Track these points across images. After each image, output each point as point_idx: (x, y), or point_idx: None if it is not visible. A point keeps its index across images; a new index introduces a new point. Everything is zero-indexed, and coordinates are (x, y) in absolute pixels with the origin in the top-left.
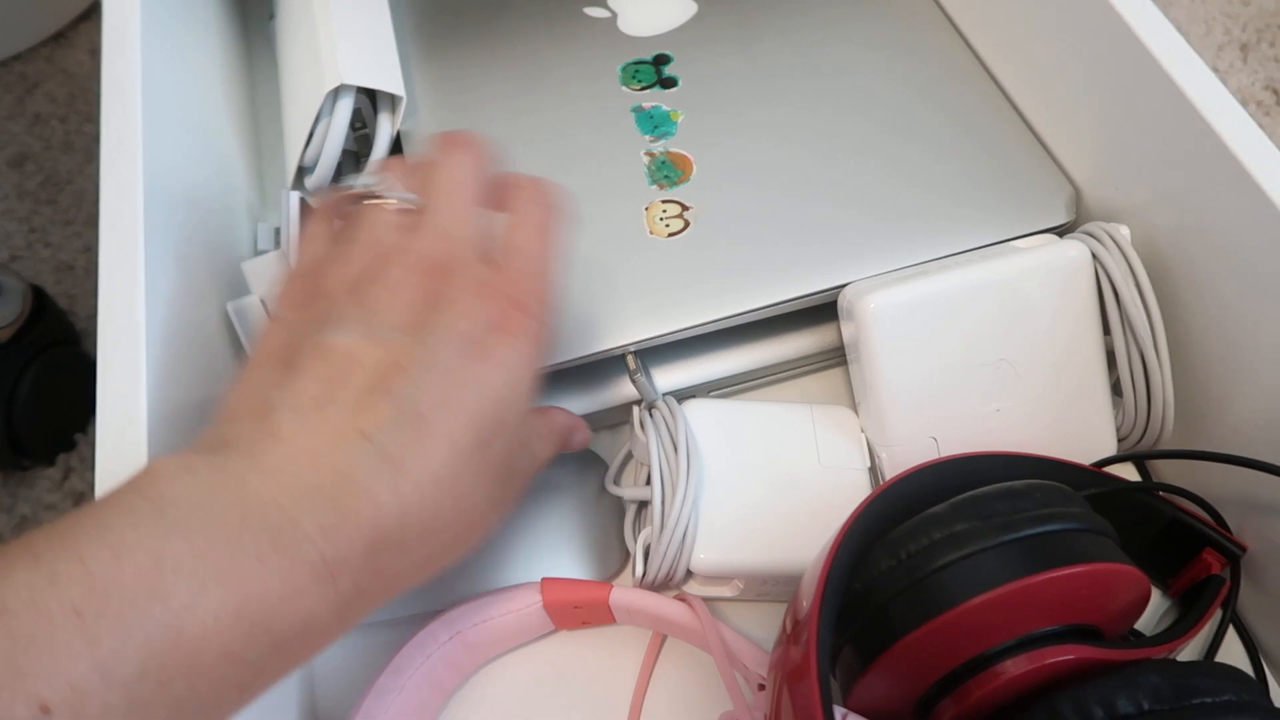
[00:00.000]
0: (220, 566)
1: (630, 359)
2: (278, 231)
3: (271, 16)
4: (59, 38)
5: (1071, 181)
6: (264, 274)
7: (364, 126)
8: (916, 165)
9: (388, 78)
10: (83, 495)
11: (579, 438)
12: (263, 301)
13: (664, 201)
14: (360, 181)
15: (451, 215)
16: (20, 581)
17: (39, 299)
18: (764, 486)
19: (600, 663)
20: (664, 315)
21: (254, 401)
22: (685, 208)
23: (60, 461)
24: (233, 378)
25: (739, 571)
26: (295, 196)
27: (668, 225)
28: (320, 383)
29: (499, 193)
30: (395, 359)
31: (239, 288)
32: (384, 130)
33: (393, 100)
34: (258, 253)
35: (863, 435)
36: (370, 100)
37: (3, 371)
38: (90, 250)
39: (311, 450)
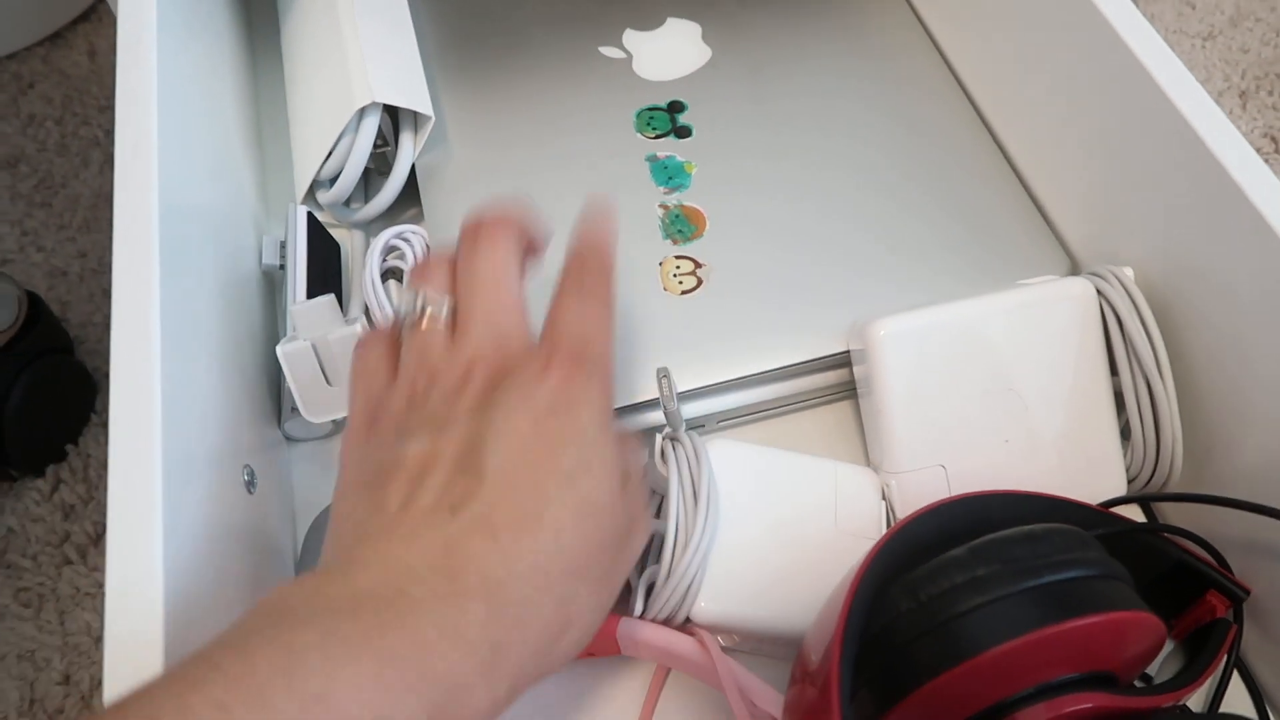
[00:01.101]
0: (347, 640)
1: (664, 383)
2: (282, 245)
3: (280, 34)
4: (56, 38)
5: (1066, 248)
6: (312, 317)
7: (383, 145)
8: (920, 230)
9: (417, 98)
10: (73, 508)
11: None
12: (314, 346)
13: (678, 257)
14: (399, 305)
15: (496, 311)
16: (160, 692)
17: (34, 305)
18: (776, 540)
19: (604, 694)
20: (678, 374)
21: (342, 532)
22: (698, 264)
23: (50, 473)
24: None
25: (738, 627)
26: (303, 210)
27: (681, 282)
28: (403, 489)
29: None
30: (468, 441)
31: (248, 298)
32: (406, 150)
33: (415, 121)
34: (263, 266)
35: (883, 503)
36: (392, 121)
37: None
38: (85, 256)
39: (405, 538)
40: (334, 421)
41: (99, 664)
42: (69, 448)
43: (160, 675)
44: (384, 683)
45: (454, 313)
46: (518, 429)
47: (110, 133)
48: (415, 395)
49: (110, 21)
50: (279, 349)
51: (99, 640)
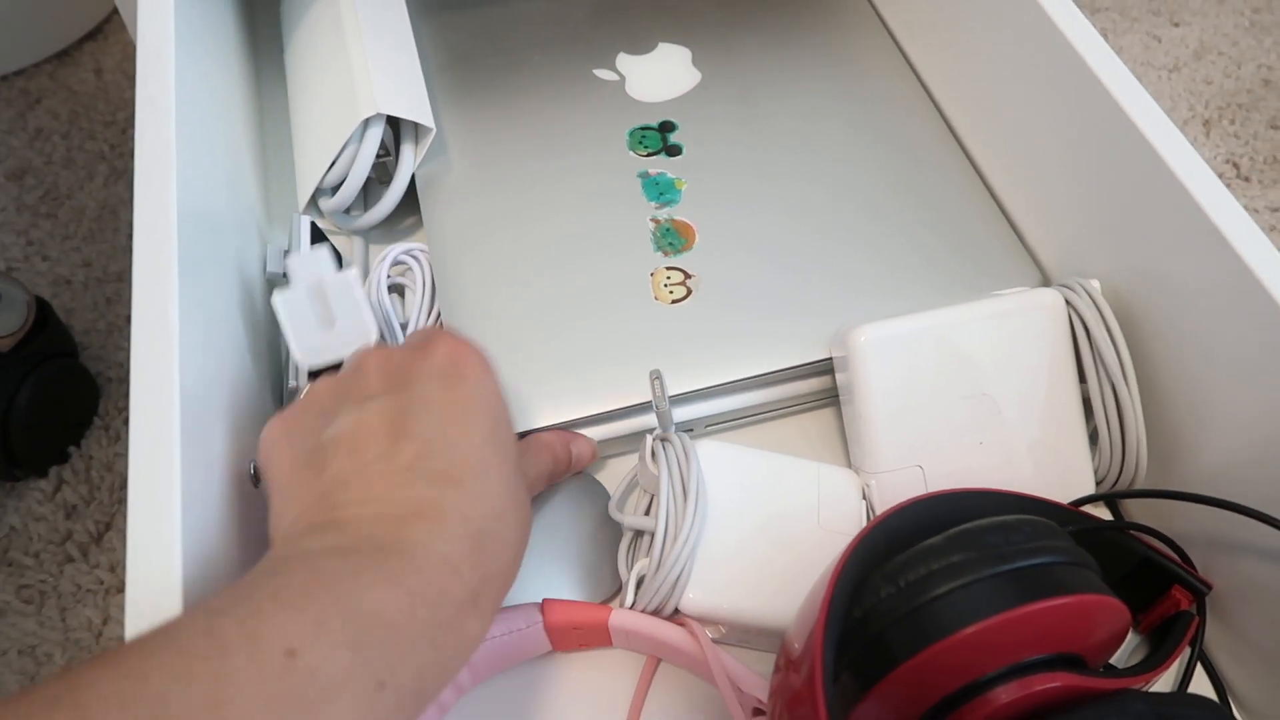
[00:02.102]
0: (366, 569)
1: (656, 385)
2: (286, 254)
3: (283, 49)
4: (63, 55)
5: (1037, 261)
6: (308, 263)
7: (385, 155)
8: (899, 243)
9: (420, 111)
10: (74, 508)
11: (579, 446)
12: (308, 291)
13: (668, 268)
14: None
15: (387, 350)
16: (214, 604)
17: (41, 310)
18: (761, 538)
19: (595, 685)
20: (668, 380)
21: (305, 503)
22: (688, 275)
23: (53, 474)
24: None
25: (725, 618)
26: (306, 220)
27: (671, 292)
28: (348, 458)
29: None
30: (394, 412)
31: (254, 303)
32: (407, 160)
33: (417, 132)
34: (267, 274)
35: (864, 502)
36: (393, 132)
37: (1, 381)
38: (90, 265)
39: (379, 496)
40: None
41: None
42: (71, 449)
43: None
44: (402, 594)
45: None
46: (434, 396)
47: (116, 147)
48: (322, 403)
49: (116, 40)
50: (274, 297)
51: (100, 635)
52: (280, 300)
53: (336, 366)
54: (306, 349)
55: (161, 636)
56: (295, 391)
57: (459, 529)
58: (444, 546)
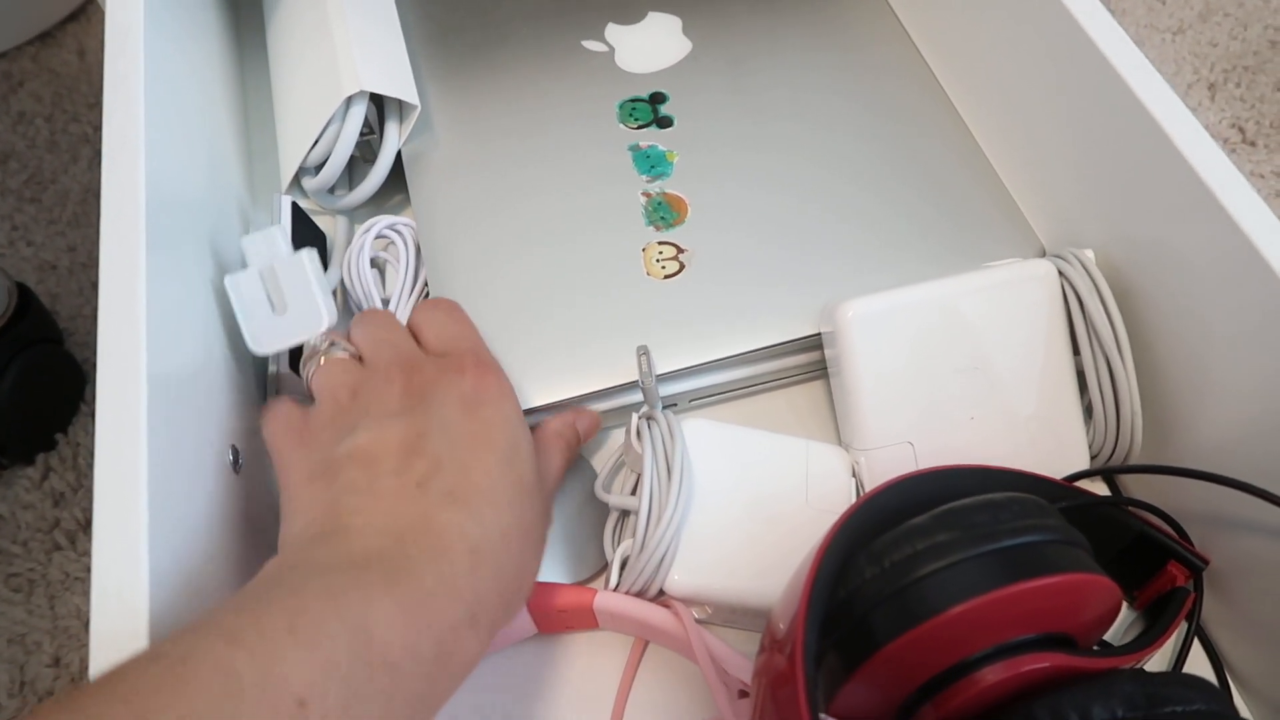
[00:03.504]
0: (370, 586)
1: (643, 360)
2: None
3: (265, 27)
4: (45, 37)
5: (1034, 233)
6: (260, 246)
7: (369, 133)
8: (894, 215)
9: (403, 87)
10: (62, 495)
11: (584, 423)
12: (259, 274)
13: (660, 243)
14: (305, 352)
15: (390, 336)
16: (230, 626)
17: (24, 296)
18: (748, 517)
19: (581, 667)
20: (661, 356)
21: (313, 514)
22: (680, 250)
23: (40, 461)
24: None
25: (711, 598)
26: (287, 200)
27: (664, 267)
28: (361, 471)
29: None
30: (412, 431)
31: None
32: (391, 138)
33: (401, 109)
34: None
35: (853, 480)
36: (378, 110)
37: None
38: (75, 250)
39: (384, 513)
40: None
41: (88, 647)
42: (58, 436)
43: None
44: (406, 621)
45: (358, 357)
46: (452, 419)
47: (99, 129)
48: (340, 406)
49: (99, 21)
50: (226, 279)
51: (88, 624)
52: (231, 282)
53: (296, 352)
54: (257, 335)
55: (179, 667)
56: (277, 377)
57: (459, 547)
58: (444, 566)
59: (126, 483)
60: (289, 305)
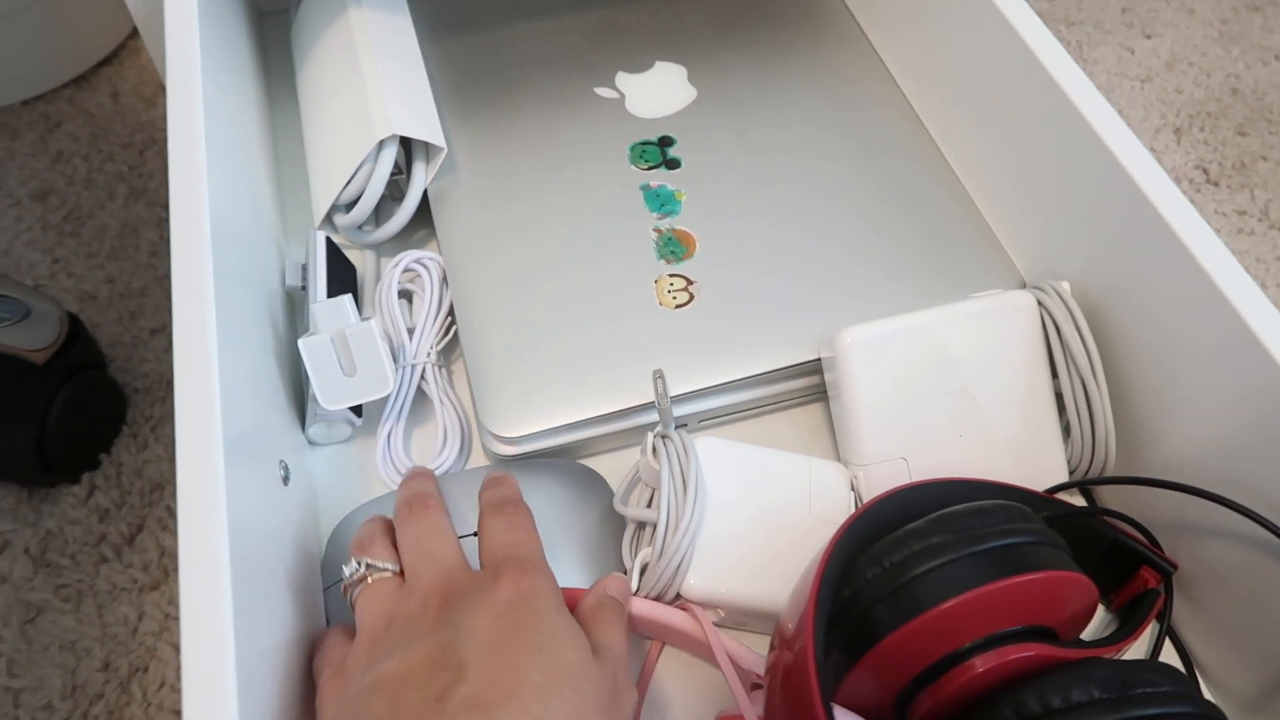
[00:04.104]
0: None
1: (658, 383)
2: (303, 267)
3: (295, 72)
4: (80, 80)
5: (1015, 266)
6: (331, 313)
7: (398, 173)
8: (886, 250)
9: (432, 131)
10: (107, 512)
11: (614, 586)
12: (331, 340)
13: (671, 275)
14: (346, 571)
15: (439, 551)
16: None
17: (74, 324)
18: (757, 527)
19: None
20: (673, 379)
21: None
22: (690, 281)
23: (85, 479)
24: None
25: (724, 601)
26: (322, 235)
27: (675, 298)
28: (385, 700)
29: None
30: (438, 646)
31: (274, 315)
32: (419, 178)
33: (428, 151)
34: (286, 287)
35: (852, 493)
36: (406, 151)
37: (37, 392)
38: (113, 281)
39: None
40: (352, 426)
41: (136, 652)
42: (102, 456)
43: None
44: None
45: (400, 572)
46: (482, 625)
47: (135, 168)
48: (376, 635)
49: (131, 65)
50: (300, 342)
51: (135, 630)
52: (305, 345)
53: (357, 409)
54: (327, 393)
55: None
56: (315, 399)
57: None
58: None
59: (206, 480)
60: (359, 368)
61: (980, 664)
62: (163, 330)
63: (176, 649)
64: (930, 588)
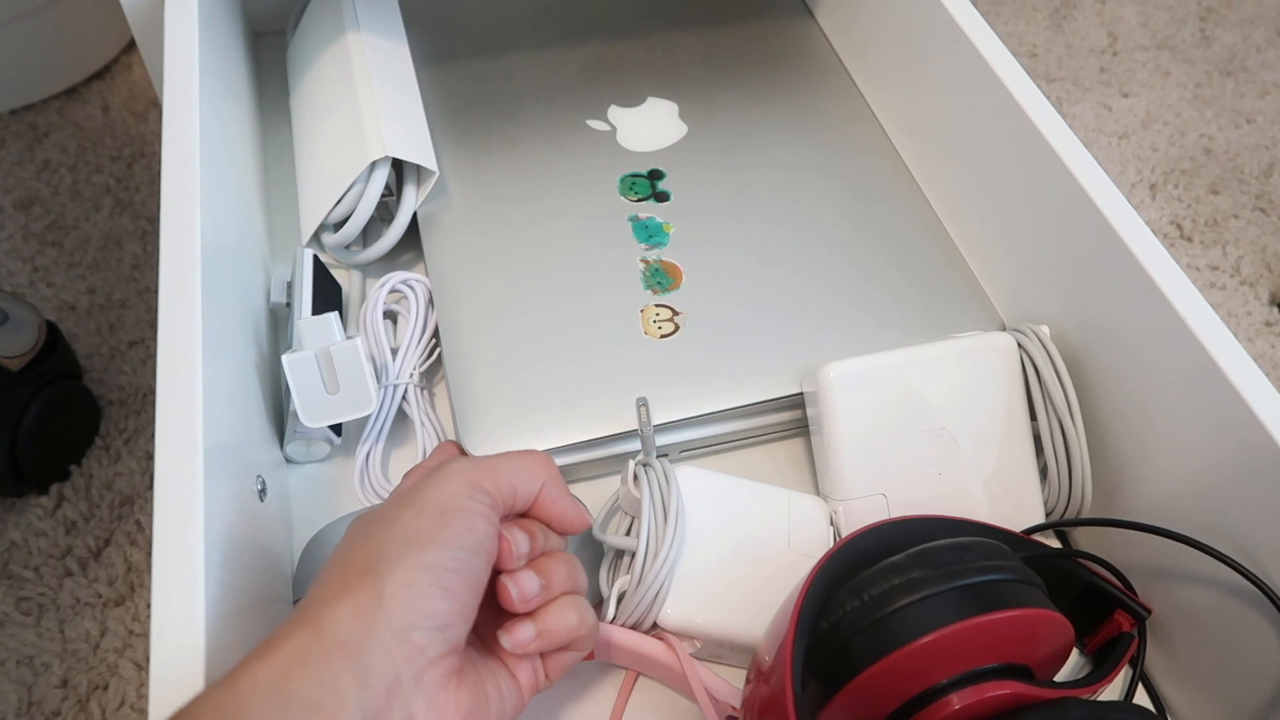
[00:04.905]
0: None
1: (642, 411)
2: (288, 284)
3: (289, 93)
4: (71, 92)
5: (994, 308)
6: (317, 330)
7: (388, 194)
8: (868, 289)
9: (425, 154)
10: (74, 524)
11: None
12: (315, 357)
13: (657, 305)
14: None
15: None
16: None
17: (52, 333)
18: (735, 558)
19: (576, 697)
20: (655, 408)
21: None
22: (675, 312)
23: (54, 490)
24: None
25: (701, 632)
26: (309, 253)
27: (660, 327)
28: None
29: None
30: None
31: (257, 329)
32: (409, 200)
33: (419, 174)
34: (270, 303)
35: (831, 528)
36: (396, 174)
37: (10, 400)
38: (94, 292)
39: None
40: (331, 445)
41: (97, 669)
42: (73, 468)
43: None
44: None
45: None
46: None
47: (121, 180)
48: None
49: (123, 80)
50: (284, 358)
51: (97, 647)
52: (288, 361)
53: (337, 428)
54: (309, 410)
55: None
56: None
57: None
58: None
59: (185, 490)
60: (342, 387)
61: (957, 700)
62: (141, 343)
63: (139, 666)
64: (908, 622)
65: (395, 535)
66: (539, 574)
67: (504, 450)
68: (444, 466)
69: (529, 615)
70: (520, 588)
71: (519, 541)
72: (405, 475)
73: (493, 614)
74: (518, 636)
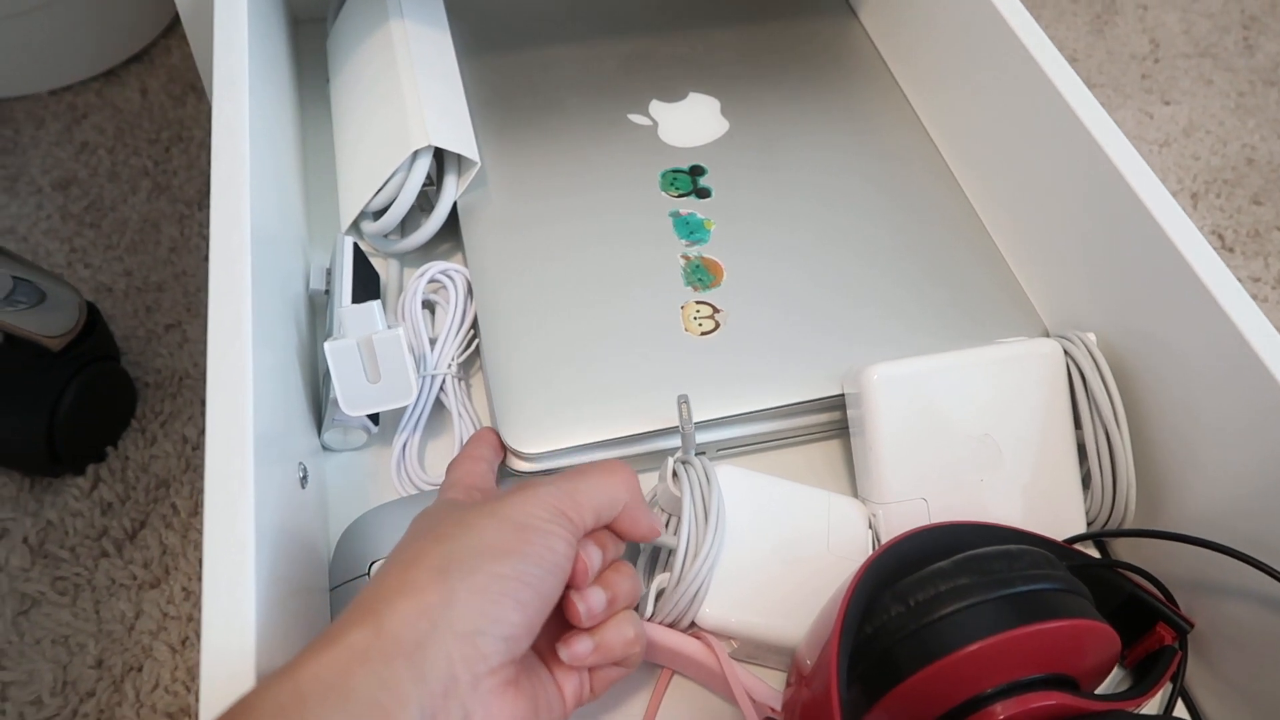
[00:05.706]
0: None
1: (683, 408)
2: (328, 272)
3: (328, 81)
4: (109, 75)
5: (1039, 314)
6: (359, 318)
7: (429, 184)
8: (911, 292)
9: (467, 145)
10: (110, 505)
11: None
12: (358, 345)
13: (697, 302)
14: None
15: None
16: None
17: (92, 314)
18: (774, 559)
19: (609, 695)
20: (695, 406)
21: None
22: (716, 310)
23: (90, 472)
24: None
25: (738, 632)
26: (350, 241)
27: (700, 325)
28: None
29: None
30: None
31: (298, 317)
32: (449, 190)
33: (460, 164)
34: (310, 290)
35: (870, 532)
36: (438, 164)
37: (50, 381)
38: (131, 274)
39: None
40: (368, 433)
41: (131, 650)
42: (109, 449)
43: None
44: None
45: None
46: None
47: (159, 163)
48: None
49: (162, 64)
50: (326, 345)
51: (132, 629)
52: (330, 349)
53: (374, 417)
54: (350, 398)
55: None
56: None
57: None
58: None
59: (234, 484)
60: (382, 376)
61: (1002, 710)
62: (178, 326)
63: (173, 649)
64: (955, 630)
65: (473, 542)
66: (606, 588)
67: (549, 442)
68: (529, 487)
69: (589, 629)
70: (589, 605)
71: (594, 561)
72: (449, 468)
73: (547, 624)
74: (576, 650)
